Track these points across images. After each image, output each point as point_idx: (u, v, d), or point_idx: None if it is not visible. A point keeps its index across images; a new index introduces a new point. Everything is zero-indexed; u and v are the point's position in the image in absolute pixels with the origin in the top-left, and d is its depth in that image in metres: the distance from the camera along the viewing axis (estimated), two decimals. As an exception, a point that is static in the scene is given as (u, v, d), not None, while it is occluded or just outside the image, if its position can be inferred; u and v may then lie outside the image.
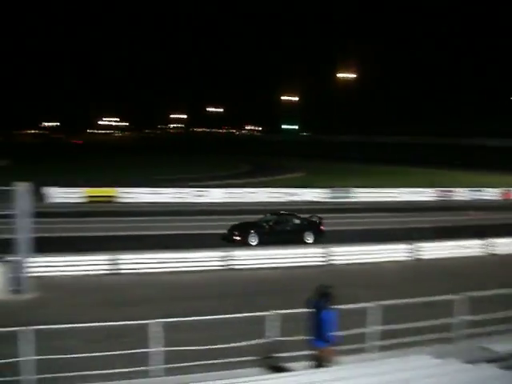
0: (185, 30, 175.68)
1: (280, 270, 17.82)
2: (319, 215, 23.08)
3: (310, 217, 22.78)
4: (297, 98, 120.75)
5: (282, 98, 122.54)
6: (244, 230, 21.20)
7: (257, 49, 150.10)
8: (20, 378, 8.18)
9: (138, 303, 13.84)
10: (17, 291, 14.70)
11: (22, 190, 14.66)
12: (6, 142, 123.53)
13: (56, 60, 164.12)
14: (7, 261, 14.83)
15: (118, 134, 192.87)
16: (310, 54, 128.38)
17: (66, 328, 9.47)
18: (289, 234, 21.38)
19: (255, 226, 21.42)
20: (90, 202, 32.80)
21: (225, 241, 21.21)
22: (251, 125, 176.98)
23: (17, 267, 14.78)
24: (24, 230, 14.67)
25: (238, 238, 20.85)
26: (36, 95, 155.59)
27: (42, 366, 8.36)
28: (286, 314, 9.50)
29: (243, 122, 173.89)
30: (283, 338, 9.47)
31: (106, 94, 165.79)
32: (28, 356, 8.19)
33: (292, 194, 36.74)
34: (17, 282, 14.77)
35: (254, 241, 20.77)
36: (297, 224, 21.91)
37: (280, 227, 21.55)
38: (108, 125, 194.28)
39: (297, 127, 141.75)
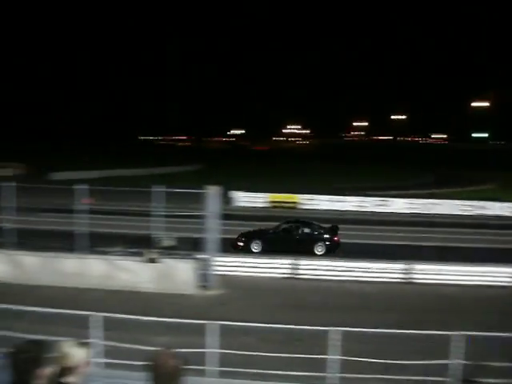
0: (371, 38, 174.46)
1: (464, 288, 16.67)
2: (337, 225, 21.24)
3: (332, 227, 21.02)
4: (488, 104, 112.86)
5: (472, 104, 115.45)
6: (248, 236, 20.55)
7: (446, 52, 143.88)
8: (205, 367, 8.70)
9: (316, 309, 13.96)
10: (204, 287, 15.76)
11: (212, 193, 15.71)
12: (197, 148, 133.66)
13: (244, 72, 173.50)
14: (197, 258, 15.98)
15: (300, 141, 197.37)
16: (504, 56, 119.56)
17: (247, 326, 9.90)
18: (296, 243, 20.10)
19: (260, 234, 20.56)
20: (273, 207, 33.99)
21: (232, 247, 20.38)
22: (437, 133, 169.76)
23: (205, 265, 15.87)
24: (213, 230, 15.71)
25: (240, 244, 20.22)
26: (226, 105, 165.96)
27: (223, 360, 8.82)
28: (472, 335, 8.71)
29: (428, 130, 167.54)
30: (473, 362, 8.78)
31: (291, 101, 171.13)
32: (213, 348, 8.69)
33: (480, 208, 34.20)
34: (204, 278, 15.84)
35: (256, 248, 20.00)
36: (306, 233, 20.60)
37: (287, 236, 20.30)
38: (291, 132, 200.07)
39: (487, 135, 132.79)
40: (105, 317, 8.77)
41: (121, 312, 9.56)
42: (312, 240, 20.35)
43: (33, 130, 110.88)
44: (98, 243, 17.77)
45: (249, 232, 20.99)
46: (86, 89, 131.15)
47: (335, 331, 8.64)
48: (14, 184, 16.83)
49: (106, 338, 8.72)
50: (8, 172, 51.14)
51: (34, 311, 9.69)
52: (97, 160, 65.11)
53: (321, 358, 8.87)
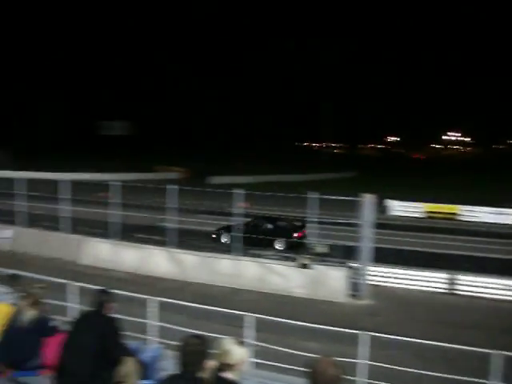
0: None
1: None
2: (304, 224, 19.90)
3: (299, 225, 21.05)
4: None
5: None
6: (222, 229, 21.39)
7: None
8: (356, 378, 8.53)
9: (472, 328, 13.06)
10: (355, 296, 15.52)
11: (367, 201, 15.45)
12: (351, 154, 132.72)
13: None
14: (349, 266, 15.80)
15: (460, 149, 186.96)
16: None
17: (399, 340, 9.53)
18: (259, 238, 20.03)
19: (231, 227, 19.92)
20: (429, 217, 32.62)
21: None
22: None
23: (357, 273, 15.63)
24: (366, 238, 15.43)
25: (213, 236, 21.23)
26: (382, 111, 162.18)
27: (373, 372, 8.57)
28: None
29: None
30: None
31: (452, 106, 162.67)
32: (363, 359, 8.49)
33: None
34: (355, 287, 15.61)
35: (226, 240, 20.83)
36: (269, 229, 21.06)
37: (253, 230, 20.20)
38: (451, 140, 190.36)
39: None
40: (257, 318, 8.96)
41: (271, 314, 9.71)
42: (274, 235, 20.75)
43: (197, 136, 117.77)
44: (253, 245, 18.37)
45: (224, 226, 21.59)
46: (244, 97, 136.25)
47: (497, 355, 7.97)
48: (176, 187, 18.04)
49: (257, 339, 8.91)
50: (174, 175, 55.50)
51: (191, 307, 10.21)
52: (253, 165, 67.44)
53: (480, 383, 8.24)
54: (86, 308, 6.04)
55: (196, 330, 8.10)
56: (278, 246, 20.62)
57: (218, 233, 21.48)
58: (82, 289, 10.40)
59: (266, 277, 16.29)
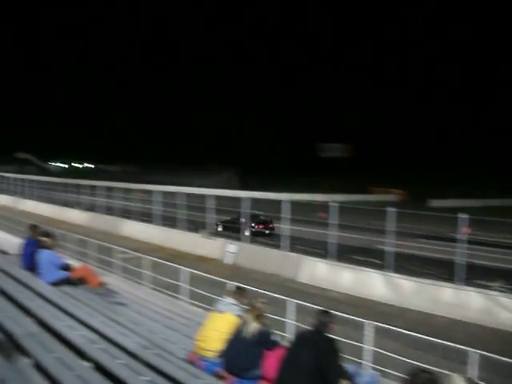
0: None
1: None
2: (270, 219, 28.56)
3: (264, 220, 28.81)
4: None
5: None
6: (219, 222, 28.52)
7: None
8: None
9: None
10: None
11: None
12: None
13: None
14: None
15: None
16: None
17: None
18: (237, 227, 25.61)
19: (223, 221, 28.67)
20: None
21: None
22: None
23: None
24: None
25: (215, 227, 27.35)
26: None
27: None
28: None
29: None
30: None
31: None
32: None
33: None
34: None
35: (220, 229, 28.34)
36: (242, 222, 25.60)
37: (234, 223, 27.08)
38: None
39: None
40: (481, 355, 8.28)
41: (496, 352, 8.84)
42: (244, 226, 25.11)
43: (416, 157, 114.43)
44: (475, 275, 17.16)
45: (222, 220, 28.76)
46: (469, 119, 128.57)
47: None
48: (394, 210, 17.71)
49: (479, 378, 8.22)
50: (391, 197, 54.94)
51: (408, 335, 9.82)
52: (481, 188, 63.41)
53: None
54: (304, 326, 6.20)
55: (412, 360, 7.80)
56: (245, 233, 24.60)
57: (217, 224, 28.26)
58: (299, 306, 10.72)
59: (492, 310, 15.01)
